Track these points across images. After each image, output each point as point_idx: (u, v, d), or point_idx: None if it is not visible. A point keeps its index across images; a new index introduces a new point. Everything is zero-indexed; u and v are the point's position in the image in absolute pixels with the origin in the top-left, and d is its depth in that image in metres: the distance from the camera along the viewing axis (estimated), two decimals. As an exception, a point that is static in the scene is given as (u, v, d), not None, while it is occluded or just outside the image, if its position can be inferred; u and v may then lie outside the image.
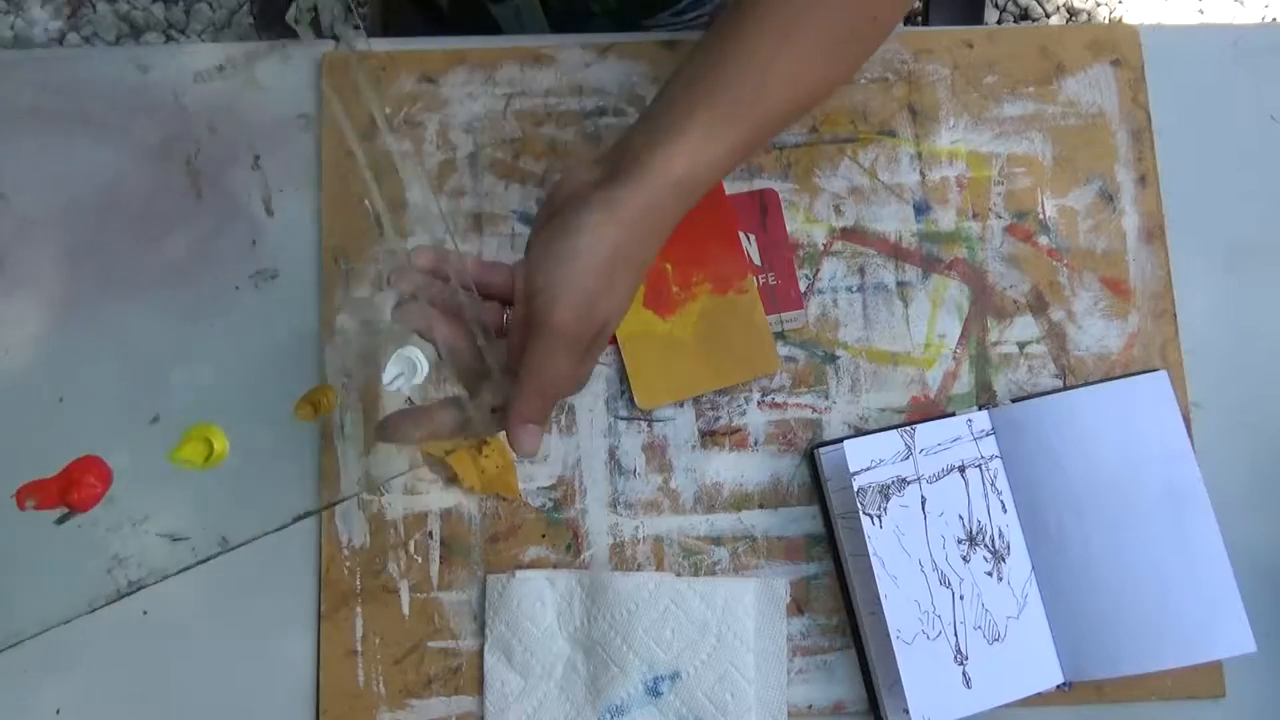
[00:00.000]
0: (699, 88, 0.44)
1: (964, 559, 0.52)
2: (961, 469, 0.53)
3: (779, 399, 0.57)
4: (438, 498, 0.55)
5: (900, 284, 0.58)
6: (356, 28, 0.45)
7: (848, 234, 0.58)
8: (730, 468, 0.56)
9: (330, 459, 0.55)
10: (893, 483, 0.51)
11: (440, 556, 0.55)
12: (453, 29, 0.75)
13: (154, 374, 0.56)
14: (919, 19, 1.03)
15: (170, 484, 0.55)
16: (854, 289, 0.58)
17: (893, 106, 0.60)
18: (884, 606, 0.50)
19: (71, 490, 0.45)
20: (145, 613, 0.54)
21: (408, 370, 0.45)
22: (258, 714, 0.54)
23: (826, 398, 0.57)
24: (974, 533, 0.52)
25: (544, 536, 0.55)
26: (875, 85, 0.60)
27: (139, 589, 0.47)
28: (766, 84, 0.44)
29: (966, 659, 0.50)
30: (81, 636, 0.54)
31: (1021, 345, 0.57)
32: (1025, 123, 0.60)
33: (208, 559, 0.47)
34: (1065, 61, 0.60)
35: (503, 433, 0.44)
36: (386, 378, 0.45)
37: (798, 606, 0.55)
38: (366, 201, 0.58)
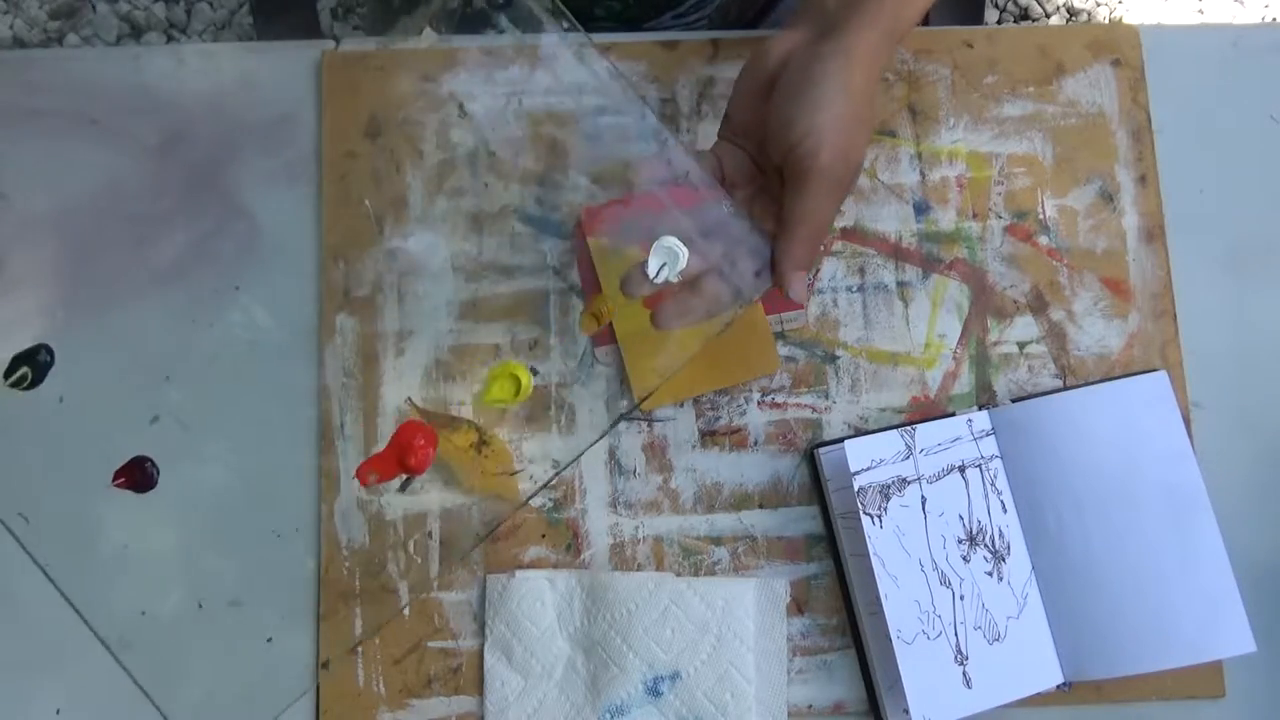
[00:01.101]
0: None
1: (964, 559, 0.52)
2: (962, 469, 0.53)
3: (779, 399, 0.57)
4: (437, 498, 0.55)
5: (900, 284, 0.58)
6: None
7: (848, 234, 0.58)
8: (730, 468, 0.56)
9: (330, 459, 0.55)
10: (893, 483, 0.51)
11: (440, 556, 0.55)
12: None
13: (154, 374, 0.56)
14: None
15: (165, 479, 0.55)
16: (854, 289, 0.58)
17: (893, 106, 0.60)
18: (884, 606, 0.50)
19: (407, 455, 0.48)
20: (144, 613, 0.54)
21: (670, 259, 0.47)
22: (258, 714, 0.53)
23: (826, 398, 0.57)
24: (974, 533, 0.52)
25: (544, 536, 0.55)
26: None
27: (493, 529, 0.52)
28: None
29: (967, 659, 0.50)
30: (81, 636, 0.54)
31: (1021, 345, 0.57)
32: (1025, 123, 0.60)
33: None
34: (1065, 61, 0.60)
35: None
36: (651, 270, 0.47)
37: (798, 606, 0.55)
38: (366, 201, 0.58)
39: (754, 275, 0.48)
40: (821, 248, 0.57)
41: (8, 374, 0.50)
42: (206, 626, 0.54)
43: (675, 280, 0.48)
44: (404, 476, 0.51)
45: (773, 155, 0.47)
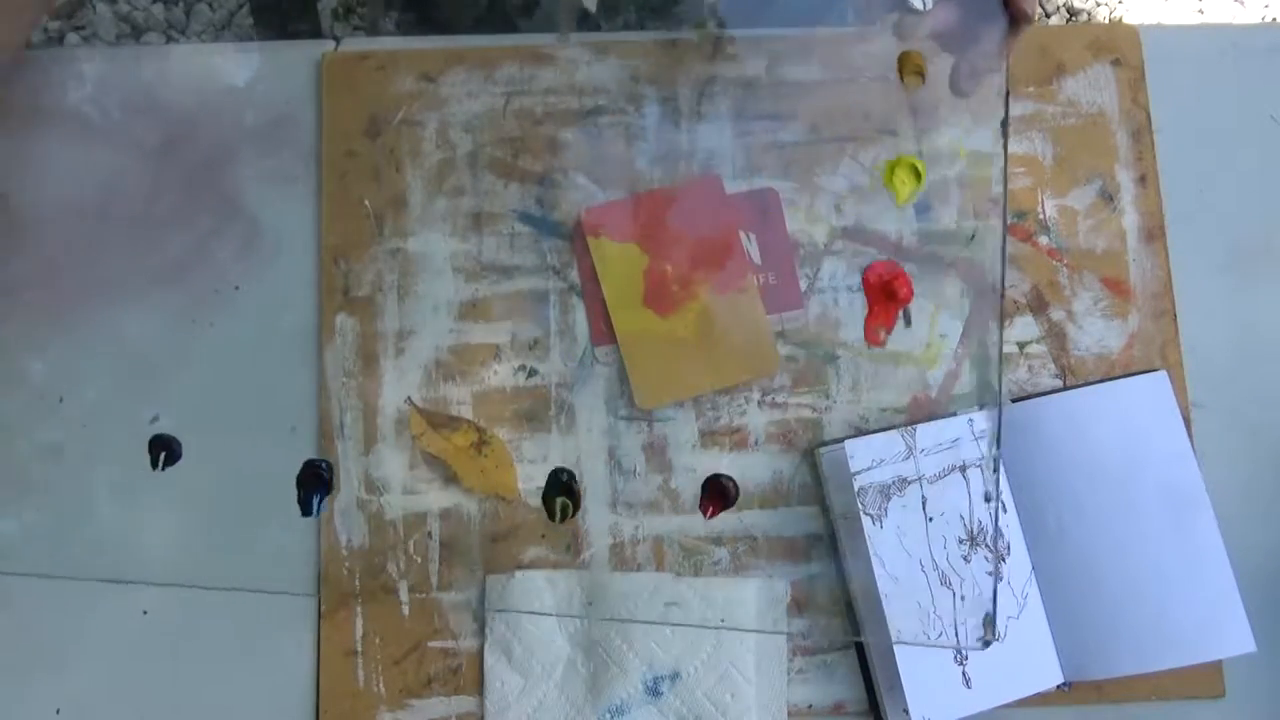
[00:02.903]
0: None
1: (964, 559, 0.52)
2: (962, 469, 0.53)
3: (779, 399, 0.57)
4: (437, 498, 0.55)
5: (900, 284, 0.58)
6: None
7: (848, 233, 0.58)
8: (730, 468, 0.56)
9: (330, 459, 0.55)
10: (893, 483, 0.51)
11: (440, 556, 0.55)
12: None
13: (154, 374, 0.56)
14: (919, 19, 1.03)
15: (164, 479, 0.55)
16: (854, 288, 0.58)
17: (893, 105, 0.60)
18: (884, 606, 0.49)
19: (894, 289, 0.48)
20: (145, 612, 0.54)
21: None
22: (258, 714, 0.54)
23: (827, 397, 0.57)
24: (974, 533, 0.52)
25: (544, 537, 0.55)
26: (876, 84, 0.60)
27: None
28: None
29: (966, 659, 0.50)
30: (81, 636, 0.54)
31: (1022, 345, 0.57)
32: (1025, 122, 0.60)
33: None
34: (1065, 61, 0.60)
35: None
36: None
37: (798, 606, 0.55)
38: (366, 201, 0.58)
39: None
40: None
41: (551, 515, 0.53)
42: (206, 623, 0.54)
43: None
44: (902, 311, 0.51)
45: None
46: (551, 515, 0.51)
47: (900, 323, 0.53)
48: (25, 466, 0.55)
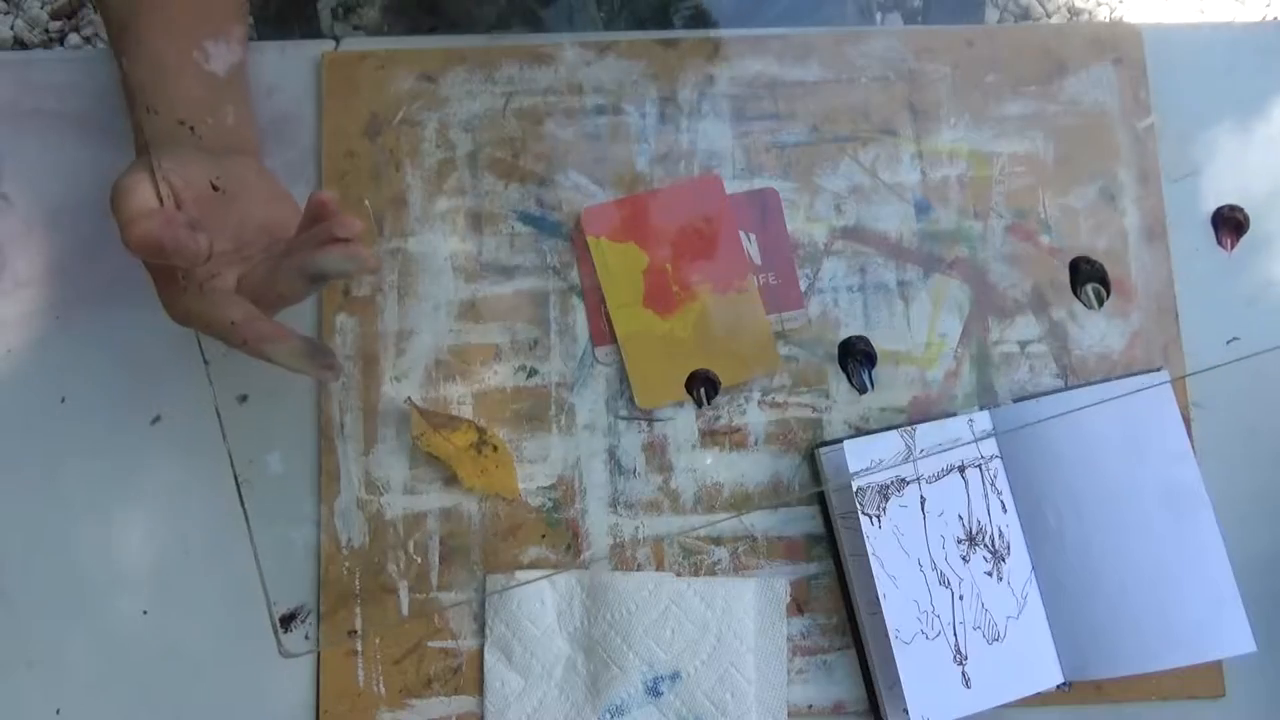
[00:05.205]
0: None
1: (964, 559, 0.52)
2: (962, 469, 0.53)
3: (779, 399, 0.57)
4: (437, 498, 0.55)
5: (901, 283, 0.58)
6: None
7: (848, 233, 0.58)
8: (730, 468, 0.56)
9: (330, 459, 0.55)
10: (892, 483, 0.51)
11: (440, 556, 0.55)
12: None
13: (154, 374, 0.56)
14: (919, 18, 1.03)
15: (164, 479, 0.55)
16: (854, 288, 0.58)
17: (893, 105, 0.60)
18: (883, 606, 0.50)
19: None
20: (145, 612, 0.54)
21: None
22: (258, 714, 0.54)
23: (827, 397, 0.57)
24: (974, 533, 0.52)
25: (544, 537, 0.55)
26: (876, 84, 0.60)
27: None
28: None
29: (966, 659, 0.50)
30: (82, 636, 0.54)
31: (1023, 345, 0.57)
32: (1026, 121, 0.60)
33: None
34: (1067, 60, 0.60)
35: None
36: None
37: (798, 606, 0.55)
38: (366, 201, 0.58)
39: None
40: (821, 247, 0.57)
41: (1087, 304, 0.51)
42: (204, 626, 0.54)
43: None
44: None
45: None
46: (1088, 304, 0.49)
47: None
48: (28, 467, 0.55)
